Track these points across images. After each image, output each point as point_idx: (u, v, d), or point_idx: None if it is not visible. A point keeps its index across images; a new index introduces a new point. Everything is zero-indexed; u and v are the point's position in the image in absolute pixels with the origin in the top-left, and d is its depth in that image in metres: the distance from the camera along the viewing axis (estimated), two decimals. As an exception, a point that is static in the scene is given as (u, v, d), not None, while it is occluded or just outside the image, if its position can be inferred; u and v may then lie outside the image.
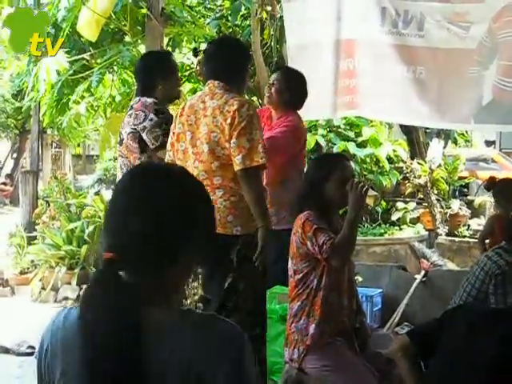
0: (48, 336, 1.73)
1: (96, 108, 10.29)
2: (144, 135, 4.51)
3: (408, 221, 8.91)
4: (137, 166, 1.82)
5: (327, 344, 3.72)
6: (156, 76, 4.72)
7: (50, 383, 1.73)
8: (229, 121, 3.81)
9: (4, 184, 24.51)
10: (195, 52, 4.42)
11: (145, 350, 1.57)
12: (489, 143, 15.98)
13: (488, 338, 2.58)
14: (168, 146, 4.12)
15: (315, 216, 3.77)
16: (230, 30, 10.32)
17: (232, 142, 3.80)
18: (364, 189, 3.66)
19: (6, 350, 6.33)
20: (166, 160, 4.13)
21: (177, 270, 1.67)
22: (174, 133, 4.09)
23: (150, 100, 4.69)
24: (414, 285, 6.65)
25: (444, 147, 9.91)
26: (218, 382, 1.56)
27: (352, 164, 4.28)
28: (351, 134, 8.62)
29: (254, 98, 8.56)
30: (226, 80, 3.98)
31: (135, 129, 4.57)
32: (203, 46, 9.92)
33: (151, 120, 4.49)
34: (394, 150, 8.94)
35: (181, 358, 1.57)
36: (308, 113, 6.33)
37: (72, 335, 1.64)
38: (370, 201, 3.84)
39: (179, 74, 4.80)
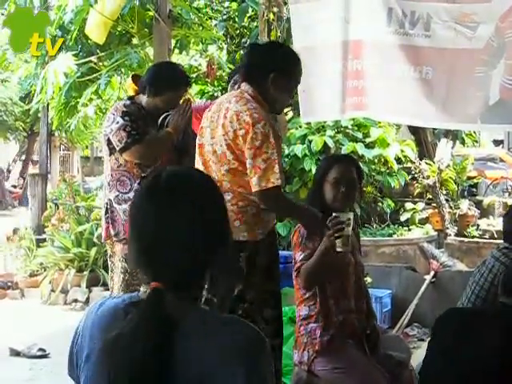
0: (82, 321, 1.81)
1: (104, 110, 10.30)
2: (111, 137, 4.56)
3: (417, 221, 8.89)
4: (154, 180, 1.83)
5: (336, 347, 3.72)
6: (148, 83, 4.73)
7: (77, 363, 1.80)
8: (242, 132, 3.69)
9: (14, 186, 24.63)
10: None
11: (168, 351, 1.64)
12: (497, 143, 15.94)
13: (478, 338, 2.58)
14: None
15: None
16: (237, 31, 10.34)
17: (248, 162, 3.67)
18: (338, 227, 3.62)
19: (17, 353, 6.34)
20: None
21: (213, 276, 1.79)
22: (200, 127, 4.07)
23: (121, 103, 4.80)
24: (424, 286, 6.65)
25: (452, 147, 9.88)
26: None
27: (360, 165, 4.22)
28: (359, 135, 8.61)
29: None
30: (254, 85, 3.87)
31: (105, 132, 4.65)
32: (210, 49, 9.96)
33: (117, 123, 4.54)
34: (402, 151, 8.93)
35: (200, 362, 1.63)
36: (315, 114, 6.32)
37: (101, 324, 1.74)
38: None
39: (173, 103, 4.77)
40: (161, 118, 4.74)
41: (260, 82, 3.86)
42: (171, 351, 1.63)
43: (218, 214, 1.80)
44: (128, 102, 4.73)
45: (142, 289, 1.80)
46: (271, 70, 3.84)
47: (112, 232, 4.64)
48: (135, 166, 4.59)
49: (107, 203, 4.68)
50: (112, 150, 4.62)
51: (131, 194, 4.53)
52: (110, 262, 4.79)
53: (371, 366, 3.65)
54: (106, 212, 4.68)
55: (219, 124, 3.81)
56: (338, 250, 3.71)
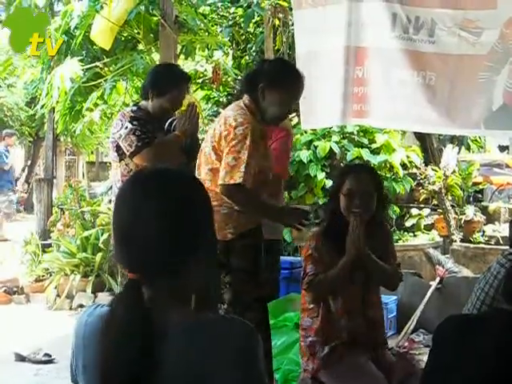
0: (75, 332, 1.81)
1: (109, 115, 10.30)
2: (120, 143, 4.58)
3: (422, 227, 8.88)
4: (135, 174, 1.85)
5: (340, 357, 3.70)
6: (149, 86, 4.80)
7: (77, 376, 1.80)
8: (225, 134, 3.94)
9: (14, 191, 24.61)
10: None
11: (156, 353, 1.62)
12: (502, 148, 15.87)
13: (478, 345, 2.57)
14: None
15: (324, 233, 3.80)
16: (243, 37, 10.35)
17: (223, 159, 3.92)
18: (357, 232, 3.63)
19: (22, 358, 6.33)
20: None
21: (190, 273, 1.74)
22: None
23: (128, 109, 4.88)
24: (430, 292, 6.64)
25: (458, 153, 9.87)
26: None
27: (377, 174, 4.10)
28: (365, 141, 8.62)
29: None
30: (250, 96, 4.05)
31: (114, 138, 4.66)
32: (216, 54, 9.99)
33: (126, 128, 4.58)
34: (408, 156, 8.93)
35: (190, 360, 1.62)
36: (316, 121, 6.32)
37: (93, 333, 1.73)
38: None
39: (177, 101, 4.79)
40: (167, 123, 4.77)
41: (253, 93, 4.05)
42: (152, 347, 1.62)
43: (196, 211, 1.78)
44: (135, 108, 4.77)
45: None
46: (259, 81, 4.03)
47: None
48: None
49: None
50: (122, 156, 4.64)
51: None
52: (121, 269, 4.82)
53: (377, 373, 3.63)
54: None
55: (213, 128, 4.09)
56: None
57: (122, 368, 1.61)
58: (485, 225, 8.93)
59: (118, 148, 4.63)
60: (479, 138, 12.53)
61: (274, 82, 4.00)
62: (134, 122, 4.58)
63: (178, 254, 1.70)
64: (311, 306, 3.79)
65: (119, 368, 1.61)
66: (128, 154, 4.57)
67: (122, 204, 1.76)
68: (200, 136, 5.49)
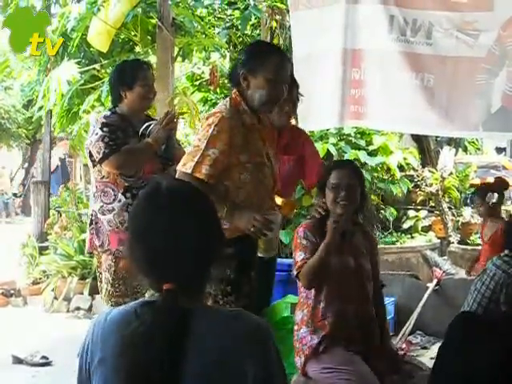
0: (90, 331, 1.87)
1: (107, 118, 10.27)
2: (91, 149, 4.59)
3: (420, 229, 8.89)
4: (154, 193, 1.88)
5: (326, 348, 3.71)
6: (118, 86, 4.75)
7: (89, 370, 1.84)
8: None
9: (14, 194, 24.64)
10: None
11: (185, 351, 1.73)
12: (499, 150, 15.89)
13: (483, 348, 2.58)
14: None
15: (312, 226, 3.86)
16: (240, 39, 10.35)
17: None
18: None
19: (20, 361, 6.32)
20: None
21: (210, 275, 1.90)
22: None
23: (102, 114, 4.88)
24: (427, 293, 6.63)
25: (455, 155, 9.88)
26: (246, 373, 1.74)
27: (360, 169, 4.17)
28: (362, 143, 8.61)
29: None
30: (236, 88, 3.89)
31: (86, 144, 4.71)
32: (213, 56, 9.99)
33: (96, 134, 4.56)
34: (405, 158, 8.94)
35: (212, 351, 1.74)
36: (313, 122, 6.31)
37: (112, 328, 1.82)
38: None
39: (150, 86, 4.77)
40: (143, 127, 4.73)
41: (238, 84, 3.86)
42: (185, 349, 1.72)
43: (214, 217, 1.93)
44: (108, 113, 4.75)
45: (147, 294, 1.88)
46: (240, 69, 3.82)
47: (96, 243, 4.65)
48: (118, 176, 4.59)
49: (92, 214, 4.73)
50: (94, 162, 4.64)
51: (115, 205, 4.56)
52: (97, 273, 4.84)
53: (362, 365, 3.62)
54: (91, 223, 4.72)
55: None
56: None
57: (151, 366, 1.70)
58: (482, 226, 8.94)
59: (91, 154, 4.64)
60: (476, 139, 12.55)
61: (253, 64, 3.79)
62: (105, 129, 4.56)
63: (210, 262, 1.86)
64: (301, 300, 3.83)
65: (148, 366, 1.71)
66: (97, 160, 4.57)
67: (151, 223, 1.84)
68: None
